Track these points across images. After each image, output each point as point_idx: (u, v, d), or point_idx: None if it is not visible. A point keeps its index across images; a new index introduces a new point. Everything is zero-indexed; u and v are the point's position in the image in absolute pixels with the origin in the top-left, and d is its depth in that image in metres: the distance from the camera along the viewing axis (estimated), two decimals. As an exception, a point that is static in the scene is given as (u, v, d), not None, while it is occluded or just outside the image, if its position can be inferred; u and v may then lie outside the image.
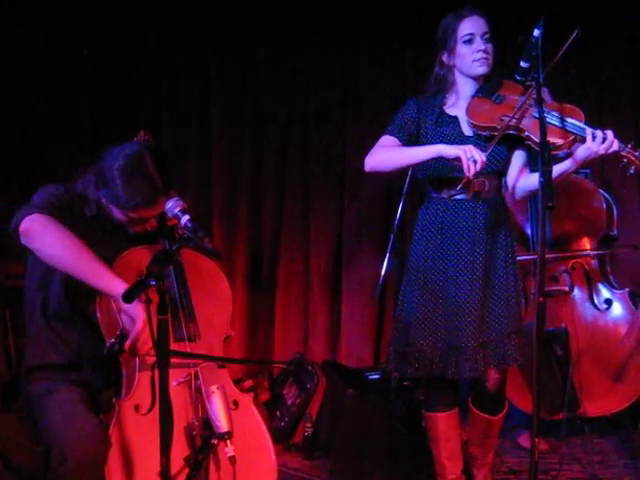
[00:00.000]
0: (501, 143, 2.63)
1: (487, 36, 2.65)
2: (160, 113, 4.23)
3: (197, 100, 4.30)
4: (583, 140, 2.53)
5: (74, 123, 4.08)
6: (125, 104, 4.10)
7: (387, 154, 2.70)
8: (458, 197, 2.69)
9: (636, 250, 2.71)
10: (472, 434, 2.87)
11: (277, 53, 4.31)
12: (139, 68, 4.17)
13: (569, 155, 2.63)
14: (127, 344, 2.16)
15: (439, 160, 2.62)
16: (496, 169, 2.71)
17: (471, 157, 2.46)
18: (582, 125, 2.56)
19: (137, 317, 2.15)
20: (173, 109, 4.26)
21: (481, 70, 2.68)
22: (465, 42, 2.65)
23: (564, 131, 2.57)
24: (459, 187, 2.53)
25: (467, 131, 2.69)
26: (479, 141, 2.65)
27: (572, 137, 2.56)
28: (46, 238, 2.20)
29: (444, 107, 2.74)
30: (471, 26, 2.65)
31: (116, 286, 2.14)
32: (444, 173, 2.68)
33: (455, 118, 2.73)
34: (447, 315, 2.68)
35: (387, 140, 2.74)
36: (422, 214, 2.79)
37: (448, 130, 2.70)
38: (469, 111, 2.67)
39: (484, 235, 2.68)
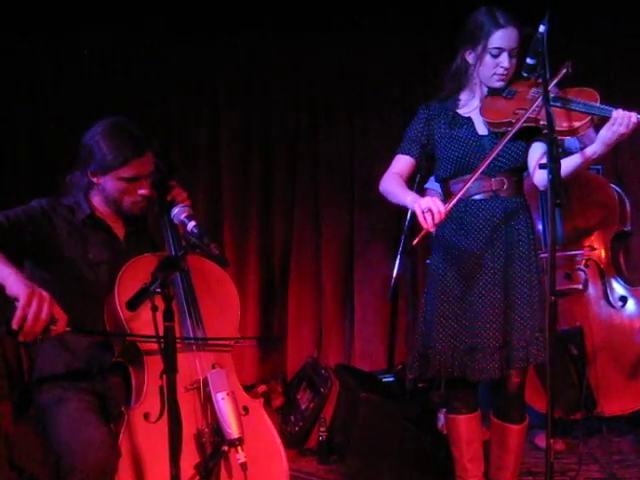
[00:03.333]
0: (518, 139, 2.61)
1: (515, 52, 2.61)
2: (170, 124, 4.25)
3: (206, 111, 4.33)
4: (602, 120, 2.50)
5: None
6: (133, 115, 4.09)
7: (388, 188, 2.73)
8: (476, 197, 2.67)
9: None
10: (494, 444, 2.81)
11: (285, 63, 4.32)
12: (147, 80, 4.18)
13: (582, 149, 2.60)
14: (13, 323, 1.98)
15: (457, 160, 2.64)
16: (514, 166, 2.68)
17: (425, 208, 2.43)
18: (598, 105, 2.52)
19: (18, 293, 1.99)
20: (182, 121, 4.28)
21: (497, 84, 2.66)
22: (492, 54, 2.62)
23: (576, 114, 2.53)
24: (415, 242, 2.48)
25: (482, 130, 2.67)
26: (494, 139, 2.63)
27: (586, 119, 2.52)
28: None
29: (457, 109, 2.73)
30: (503, 40, 2.59)
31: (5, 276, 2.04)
32: (462, 173, 2.67)
33: (469, 119, 2.71)
34: (468, 316, 2.66)
35: (399, 161, 2.76)
36: None
37: (462, 132, 2.68)
38: (483, 110, 2.65)
39: (503, 235, 2.66)
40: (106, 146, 2.28)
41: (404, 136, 2.79)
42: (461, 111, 2.73)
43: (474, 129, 2.68)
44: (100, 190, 2.36)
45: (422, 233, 2.44)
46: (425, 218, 2.42)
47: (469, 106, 2.72)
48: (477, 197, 2.68)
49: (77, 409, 2.21)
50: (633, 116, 2.44)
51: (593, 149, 2.53)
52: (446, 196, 2.74)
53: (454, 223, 2.70)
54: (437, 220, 2.42)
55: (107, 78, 4.14)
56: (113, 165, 2.29)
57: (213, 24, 4.17)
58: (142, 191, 2.34)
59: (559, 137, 2.49)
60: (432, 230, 2.45)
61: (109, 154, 2.28)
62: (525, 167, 2.70)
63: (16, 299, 2.00)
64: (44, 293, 2.02)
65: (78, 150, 2.35)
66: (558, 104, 2.53)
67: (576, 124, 2.52)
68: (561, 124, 2.52)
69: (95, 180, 2.35)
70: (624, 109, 2.46)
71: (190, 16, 4.09)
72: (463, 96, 2.74)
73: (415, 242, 2.47)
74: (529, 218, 2.73)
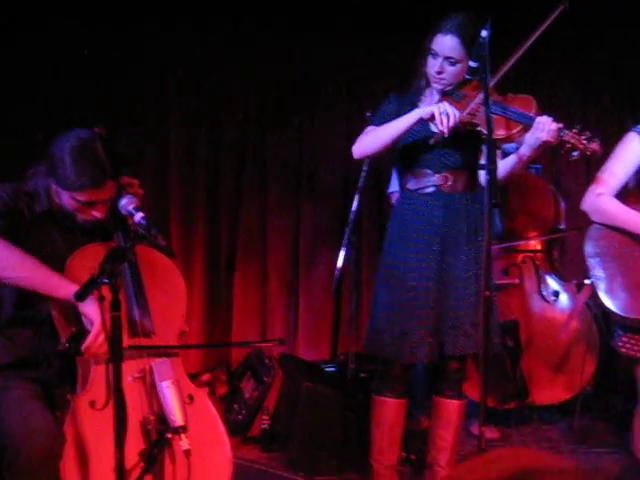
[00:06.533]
0: (468, 139, 2.71)
1: (452, 60, 2.68)
2: (117, 114, 4.22)
3: (153, 101, 4.31)
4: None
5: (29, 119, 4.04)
6: (80, 103, 4.07)
7: (372, 136, 2.78)
8: (423, 191, 2.78)
9: (581, 232, 2.82)
10: (434, 422, 2.94)
11: (234, 56, 4.34)
12: (92, 67, 4.14)
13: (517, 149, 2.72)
14: (83, 346, 2.19)
15: (412, 152, 2.74)
16: (459, 164, 2.78)
17: (444, 111, 2.55)
18: (529, 114, 2.63)
19: (94, 319, 2.18)
20: (130, 110, 4.25)
21: (435, 86, 2.76)
22: (431, 55, 2.72)
23: (512, 122, 2.64)
24: (432, 141, 2.62)
25: (434, 128, 2.73)
26: (444, 138, 2.71)
27: (520, 127, 2.63)
28: None
29: (419, 102, 2.82)
30: (439, 45, 2.68)
31: (69, 290, 2.16)
32: (414, 165, 2.78)
33: None
34: (404, 303, 2.77)
35: (370, 129, 2.82)
36: (394, 206, 2.94)
37: (418, 127, 2.75)
38: None
39: (441, 228, 2.77)
40: (69, 165, 2.25)
41: (376, 112, 2.85)
42: (421, 106, 2.80)
43: (428, 127, 2.74)
44: (57, 196, 2.36)
45: (437, 136, 2.59)
46: (441, 120, 2.54)
47: (427, 103, 2.80)
48: (424, 191, 2.79)
49: (21, 397, 2.23)
50: (553, 124, 2.56)
51: (522, 151, 2.67)
52: (402, 189, 2.87)
53: (402, 214, 2.83)
54: (452, 123, 2.54)
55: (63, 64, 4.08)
56: (70, 187, 2.27)
57: (167, 13, 4.16)
58: (95, 214, 2.33)
59: (498, 143, 2.62)
60: (446, 133, 2.56)
61: (70, 174, 2.25)
62: (473, 166, 2.81)
63: (88, 320, 2.18)
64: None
65: (47, 152, 2.32)
66: (498, 111, 2.64)
67: (512, 132, 2.64)
68: (498, 131, 2.63)
69: (54, 188, 2.34)
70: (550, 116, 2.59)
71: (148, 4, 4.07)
72: (425, 92, 2.83)
73: (432, 140, 2.63)
74: (474, 213, 2.80)
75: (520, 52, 2.67)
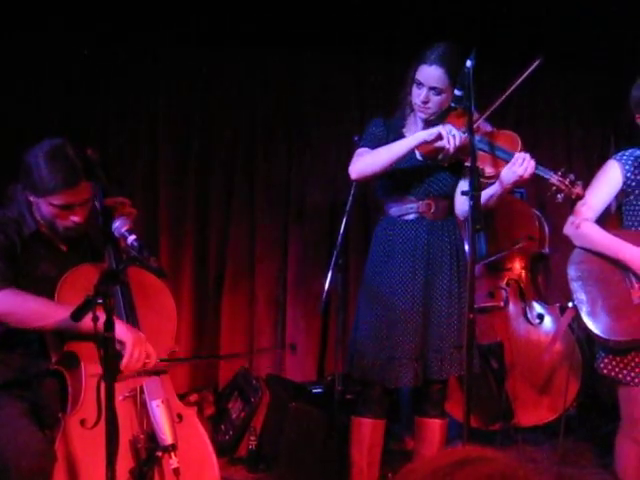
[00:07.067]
0: (448, 168, 2.79)
1: (436, 90, 2.75)
2: (107, 127, 4.26)
3: (144, 116, 4.34)
4: None
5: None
6: (69, 122, 4.10)
7: (371, 157, 2.80)
8: (404, 218, 2.84)
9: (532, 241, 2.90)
10: (418, 444, 2.98)
11: (228, 73, 4.40)
12: (85, 81, 4.17)
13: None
14: (122, 365, 2.24)
15: (396, 179, 2.79)
16: (442, 192, 2.85)
17: (450, 131, 2.65)
18: (511, 152, 2.71)
19: (124, 339, 2.25)
20: (120, 124, 4.29)
21: (420, 115, 2.83)
22: (416, 84, 2.78)
23: (497, 159, 2.73)
24: (440, 157, 2.71)
25: (419, 156, 2.79)
26: (429, 165, 2.79)
27: (503, 164, 2.72)
28: (12, 318, 2.30)
29: (403, 129, 2.89)
30: (424, 75, 2.75)
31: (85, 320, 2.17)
32: (397, 192, 2.84)
33: None
34: (390, 328, 2.82)
35: (364, 151, 2.86)
36: (376, 232, 2.97)
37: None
38: None
39: (425, 254, 2.83)
40: (43, 169, 2.28)
41: (365, 135, 2.90)
42: (405, 132, 2.88)
43: (414, 153, 2.78)
44: (37, 208, 2.39)
45: (444, 153, 2.68)
46: (449, 140, 2.63)
47: (412, 131, 2.86)
48: (405, 218, 2.85)
49: (11, 415, 2.25)
50: (532, 161, 2.65)
51: (496, 187, 2.75)
52: (384, 215, 2.92)
53: (385, 240, 2.88)
54: (458, 143, 2.64)
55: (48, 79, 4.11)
56: (45, 190, 2.30)
57: (157, 37, 4.22)
58: (74, 218, 2.36)
59: (485, 181, 2.70)
60: (452, 151, 2.65)
61: (44, 178, 2.28)
62: (453, 194, 2.88)
63: (120, 343, 2.24)
64: (142, 336, 2.30)
65: (20, 165, 2.35)
66: (485, 148, 2.72)
67: (498, 170, 2.73)
68: (486, 169, 2.71)
69: (31, 199, 2.37)
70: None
71: (135, 27, 4.12)
72: (409, 120, 2.90)
73: (440, 157, 2.73)
74: (455, 239, 2.89)
75: (497, 103, 2.76)
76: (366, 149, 2.85)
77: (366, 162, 2.80)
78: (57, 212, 2.34)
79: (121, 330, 2.23)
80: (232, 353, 4.36)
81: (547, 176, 2.67)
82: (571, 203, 2.76)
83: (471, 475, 0.96)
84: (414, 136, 2.74)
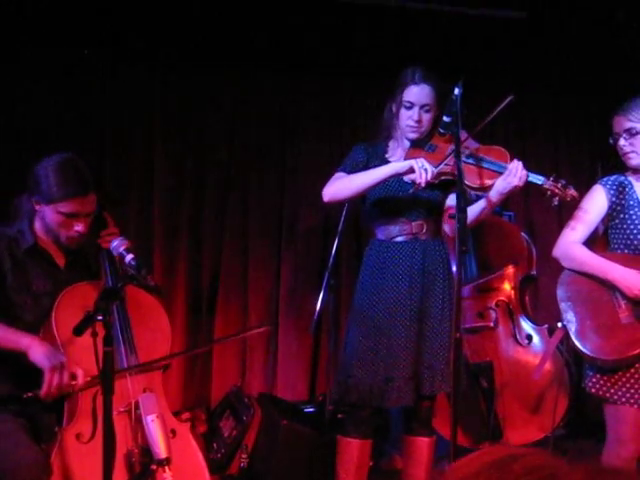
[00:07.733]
0: (436, 188, 2.85)
1: (427, 107, 2.84)
2: (103, 147, 4.31)
3: (140, 137, 4.40)
4: None
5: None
6: (67, 137, 4.14)
7: (346, 181, 2.87)
8: (397, 239, 2.89)
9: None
10: (407, 462, 3.01)
11: (224, 94, 4.47)
12: (82, 101, 4.23)
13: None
14: (41, 393, 2.28)
15: (387, 201, 2.84)
16: (432, 212, 2.91)
17: (422, 166, 2.68)
18: (501, 163, 2.79)
19: (43, 366, 2.27)
20: (116, 145, 4.33)
21: (410, 136, 2.90)
22: (405, 107, 2.86)
23: (485, 171, 2.80)
24: (411, 191, 2.73)
25: (407, 179, 2.85)
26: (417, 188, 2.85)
27: (495, 179, 2.79)
28: None
29: (386, 154, 2.95)
30: (414, 95, 2.83)
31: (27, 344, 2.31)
32: (388, 214, 2.89)
33: None
34: (386, 349, 2.85)
35: (341, 175, 2.93)
36: (366, 255, 2.99)
37: (392, 179, 2.86)
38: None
39: (420, 275, 2.88)
40: (53, 178, 2.38)
41: (345, 160, 2.97)
42: (390, 158, 2.94)
43: (401, 178, 2.84)
44: (41, 218, 2.46)
45: (416, 187, 2.70)
46: (420, 174, 2.66)
47: (395, 155, 2.93)
48: (398, 239, 2.90)
49: (7, 430, 2.28)
50: (524, 170, 2.72)
51: (491, 196, 2.81)
52: (374, 238, 2.97)
53: (377, 262, 2.92)
54: (429, 177, 2.67)
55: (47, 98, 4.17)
56: (55, 197, 2.39)
57: (150, 57, 4.29)
58: (78, 227, 2.43)
59: (472, 192, 2.77)
60: (423, 185, 2.68)
61: (54, 186, 2.38)
62: (441, 213, 2.95)
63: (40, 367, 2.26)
64: (62, 358, 2.27)
65: (29, 176, 2.44)
66: (471, 161, 2.79)
67: (487, 182, 2.79)
68: (474, 181, 2.78)
69: (37, 208, 2.44)
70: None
71: (131, 49, 4.19)
72: (391, 144, 2.96)
73: (412, 191, 2.73)
74: (445, 258, 2.96)
75: (465, 139, 2.83)
76: (342, 174, 2.92)
77: (339, 186, 2.87)
78: (62, 220, 2.42)
79: (38, 356, 2.26)
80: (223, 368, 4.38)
81: (540, 182, 2.75)
82: (563, 211, 2.77)
83: (527, 466, 0.98)
84: (388, 166, 2.80)
